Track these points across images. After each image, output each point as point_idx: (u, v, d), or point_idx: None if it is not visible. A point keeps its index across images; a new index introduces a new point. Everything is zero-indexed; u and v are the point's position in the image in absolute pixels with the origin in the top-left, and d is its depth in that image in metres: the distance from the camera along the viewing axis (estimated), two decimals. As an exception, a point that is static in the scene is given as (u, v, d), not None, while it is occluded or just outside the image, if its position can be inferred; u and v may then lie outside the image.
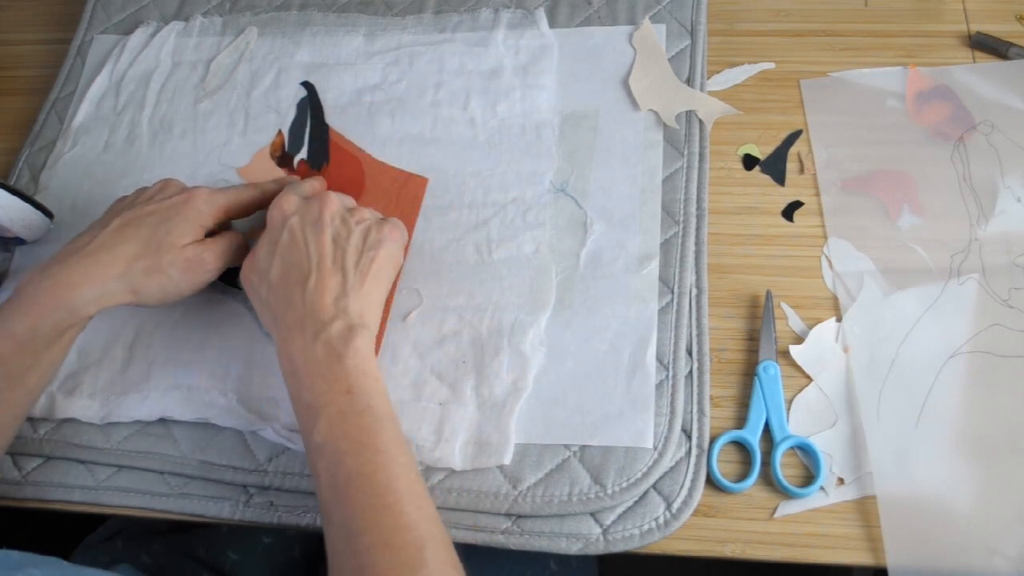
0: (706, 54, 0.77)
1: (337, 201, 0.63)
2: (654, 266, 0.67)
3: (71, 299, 0.59)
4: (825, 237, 0.68)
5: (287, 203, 0.63)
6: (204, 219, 0.64)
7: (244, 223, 0.71)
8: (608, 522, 0.58)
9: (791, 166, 0.72)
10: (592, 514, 0.59)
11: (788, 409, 0.62)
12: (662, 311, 0.65)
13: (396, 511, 0.50)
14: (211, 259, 0.64)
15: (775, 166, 0.72)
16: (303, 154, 0.76)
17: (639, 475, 0.59)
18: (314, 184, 0.69)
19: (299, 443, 0.62)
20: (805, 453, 0.60)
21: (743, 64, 0.77)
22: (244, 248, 0.67)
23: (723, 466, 0.60)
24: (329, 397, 0.54)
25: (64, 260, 0.61)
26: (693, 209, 0.69)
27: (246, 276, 0.62)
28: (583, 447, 0.61)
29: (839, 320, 0.65)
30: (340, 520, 0.51)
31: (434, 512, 0.52)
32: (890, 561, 0.56)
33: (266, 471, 0.62)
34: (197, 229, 0.64)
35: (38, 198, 0.75)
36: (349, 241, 0.61)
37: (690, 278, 0.66)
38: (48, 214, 0.73)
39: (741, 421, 0.62)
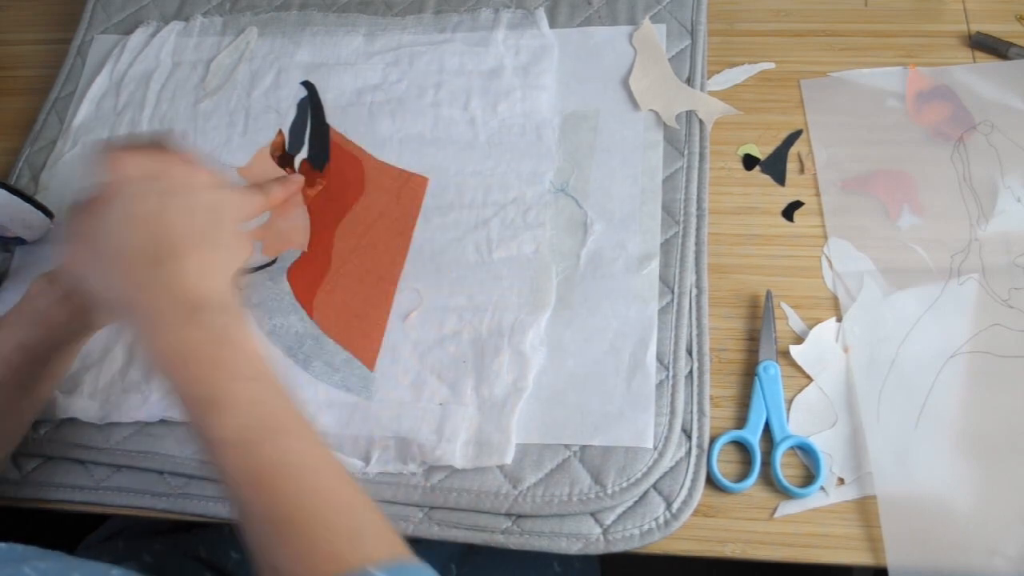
0: (706, 54, 0.77)
1: (180, 171, 0.56)
2: (654, 266, 0.67)
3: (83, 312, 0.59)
4: (825, 237, 0.68)
5: (124, 168, 0.54)
6: None
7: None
8: (608, 522, 0.58)
9: (791, 166, 0.72)
10: (592, 514, 0.59)
11: (788, 409, 0.62)
12: (662, 311, 0.65)
13: (320, 489, 0.49)
14: None
15: (775, 166, 0.72)
16: (304, 154, 0.76)
17: (639, 475, 0.59)
18: (275, 189, 0.67)
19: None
20: (805, 453, 0.60)
21: (743, 64, 0.77)
22: (248, 249, 0.66)
23: (723, 466, 0.60)
24: (228, 387, 0.50)
25: None
26: (693, 209, 0.69)
27: (72, 255, 0.54)
28: (583, 447, 0.61)
29: (839, 320, 0.65)
30: (262, 512, 0.48)
31: (352, 479, 0.51)
32: (890, 561, 0.56)
33: (266, 471, 0.62)
34: None
35: (38, 198, 0.75)
36: (195, 215, 0.54)
37: (690, 278, 0.66)
38: (48, 214, 0.73)
39: (741, 421, 0.62)
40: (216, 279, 0.54)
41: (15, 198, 0.70)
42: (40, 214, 0.72)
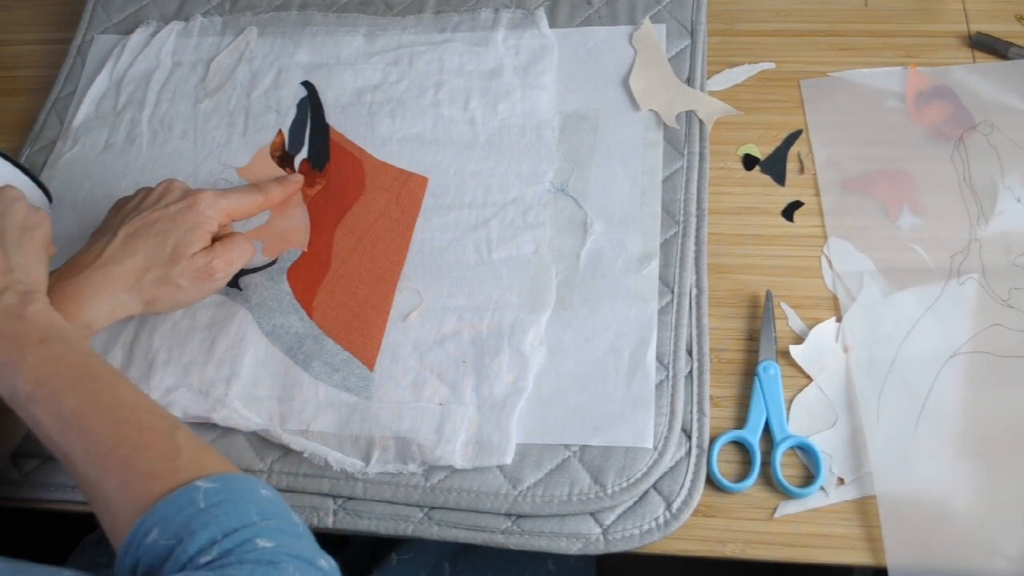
0: (706, 54, 0.77)
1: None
2: (654, 266, 0.67)
3: (84, 313, 0.59)
4: (825, 237, 0.68)
5: None
6: (210, 225, 0.64)
7: (245, 222, 0.71)
8: (608, 522, 0.58)
9: (791, 166, 0.72)
10: (592, 514, 0.59)
11: (788, 409, 0.62)
12: (662, 311, 0.65)
13: (134, 419, 0.52)
14: (220, 267, 0.64)
15: (775, 166, 0.72)
16: (304, 154, 0.76)
17: (639, 475, 0.59)
18: (275, 189, 0.70)
19: (300, 444, 0.62)
20: (805, 453, 0.60)
21: (743, 64, 0.77)
22: (250, 251, 0.67)
23: (723, 466, 0.60)
24: (22, 351, 0.53)
25: (76, 273, 0.61)
26: (693, 209, 0.69)
27: None
28: (583, 447, 0.61)
29: (839, 320, 0.65)
30: (83, 451, 0.51)
31: (162, 408, 0.55)
32: (890, 561, 0.56)
33: (267, 471, 0.62)
34: (204, 236, 0.64)
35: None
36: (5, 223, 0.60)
37: (690, 278, 0.66)
38: (48, 195, 0.72)
39: (741, 421, 0.62)
40: (15, 273, 0.57)
41: (18, 171, 0.69)
42: (40, 192, 0.71)
